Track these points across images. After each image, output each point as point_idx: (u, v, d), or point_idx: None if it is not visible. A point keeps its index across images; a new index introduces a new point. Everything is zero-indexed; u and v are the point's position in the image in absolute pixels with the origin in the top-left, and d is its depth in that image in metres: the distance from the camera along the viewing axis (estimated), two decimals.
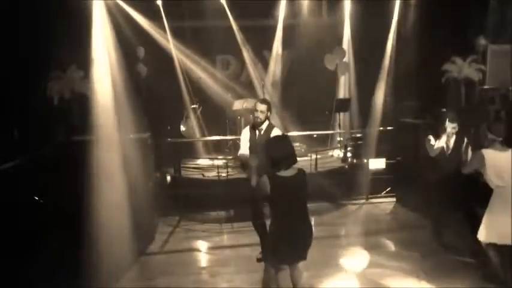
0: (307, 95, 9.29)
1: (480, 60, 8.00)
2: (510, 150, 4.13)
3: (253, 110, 4.87)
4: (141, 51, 8.94)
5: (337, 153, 8.85)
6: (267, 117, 4.78)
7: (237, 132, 8.67)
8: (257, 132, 4.83)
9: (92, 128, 5.52)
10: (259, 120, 4.75)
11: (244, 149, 4.87)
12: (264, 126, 4.80)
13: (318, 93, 9.35)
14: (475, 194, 4.51)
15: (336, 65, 9.16)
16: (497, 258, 4.17)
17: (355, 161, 7.89)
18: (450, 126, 4.87)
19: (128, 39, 7.87)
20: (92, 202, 4.99)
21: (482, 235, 4.17)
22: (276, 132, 4.70)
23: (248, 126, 4.97)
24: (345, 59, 9.33)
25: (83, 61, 6.31)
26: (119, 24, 7.08)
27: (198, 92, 9.28)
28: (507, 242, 4.00)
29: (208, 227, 6.42)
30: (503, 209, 4.02)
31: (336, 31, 9.53)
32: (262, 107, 4.73)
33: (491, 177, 4.10)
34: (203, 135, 9.30)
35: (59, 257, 4.87)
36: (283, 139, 3.54)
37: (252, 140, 4.85)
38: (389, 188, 7.33)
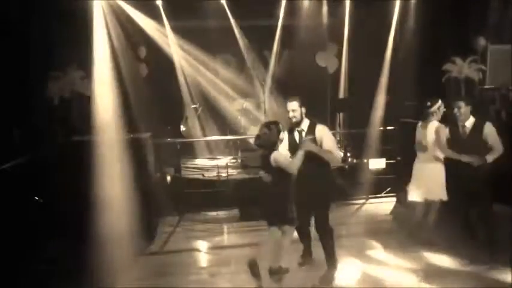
0: (307, 95, 9.28)
1: (480, 60, 8.00)
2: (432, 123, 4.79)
3: (286, 112, 4.29)
4: (142, 51, 8.94)
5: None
6: (302, 114, 4.21)
7: (237, 132, 8.69)
8: (297, 134, 4.27)
9: (92, 128, 5.53)
10: (295, 120, 4.21)
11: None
12: (305, 125, 4.25)
13: (318, 92, 9.34)
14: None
15: (327, 62, 9.20)
16: (421, 213, 5.04)
17: (355, 161, 7.89)
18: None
19: (129, 39, 7.88)
20: (92, 202, 5.00)
21: (411, 195, 5.03)
22: (320, 128, 4.21)
23: (285, 131, 4.24)
24: (344, 59, 9.35)
25: (83, 61, 6.32)
26: (119, 24, 7.09)
27: (198, 92, 9.28)
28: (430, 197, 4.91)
29: (208, 227, 6.41)
30: (424, 172, 4.91)
31: (336, 31, 9.53)
32: (292, 105, 4.17)
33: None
34: (203, 135, 9.31)
35: (59, 257, 4.88)
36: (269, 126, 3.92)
37: (293, 144, 4.25)
38: (389, 188, 7.32)
